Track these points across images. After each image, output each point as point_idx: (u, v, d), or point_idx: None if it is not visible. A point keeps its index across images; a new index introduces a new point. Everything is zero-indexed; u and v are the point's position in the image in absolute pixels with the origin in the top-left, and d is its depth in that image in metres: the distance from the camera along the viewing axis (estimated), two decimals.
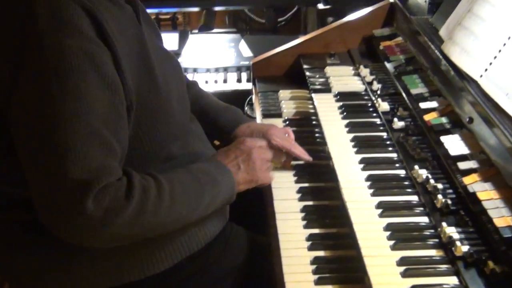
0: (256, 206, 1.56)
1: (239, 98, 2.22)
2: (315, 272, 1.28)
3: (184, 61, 2.48)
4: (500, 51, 1.39)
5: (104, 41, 1.18)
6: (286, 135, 1.62)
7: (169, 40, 2.58)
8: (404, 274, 1.16)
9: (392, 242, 1.24)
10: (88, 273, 1.34)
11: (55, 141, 1.12)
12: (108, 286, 1.35)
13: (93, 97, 1.14)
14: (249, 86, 2.18)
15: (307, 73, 1.93)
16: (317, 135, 1.73)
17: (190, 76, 2.41)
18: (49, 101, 1.13)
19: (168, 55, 1.52)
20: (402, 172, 1.46)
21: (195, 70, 2.45)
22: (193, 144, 1.47)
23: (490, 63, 1.39)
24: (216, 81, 2.38)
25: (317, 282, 1.25)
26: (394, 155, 1.52)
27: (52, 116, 1.13)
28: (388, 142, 1.57)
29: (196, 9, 2.83)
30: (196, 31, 2.73)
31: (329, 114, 1.72)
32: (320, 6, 2.43)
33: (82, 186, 1.10)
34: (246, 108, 2.15)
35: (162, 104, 1.31)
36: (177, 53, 2.53)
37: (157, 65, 1.33)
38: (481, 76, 1.40)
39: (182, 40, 2.62)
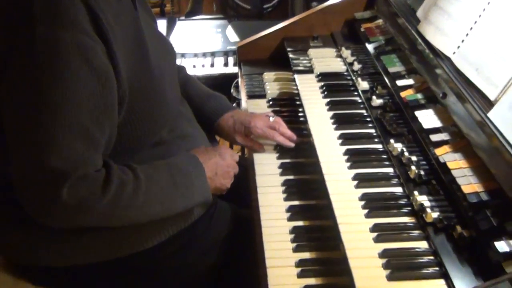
0: (241, 181, 1.60)
1: (226, 82, 2.26)
2: (293, 240, 1.32)
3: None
4: (471, 28, 1.43)
5: (99, 33, 1.18)
6: (271, 118, 1.65)
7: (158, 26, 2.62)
8: (377, 240, 1.21)
9: (366, 211, 1.29)
10: (77, 248, 1.36)
11: (38, 129, 1.14)
12: (97, 261, 1.38)
13: (81, 89, 1.15)
14: (235, 70, 2.23)
15: (291, 55, 1.96)
16: (300, 114, 1.76)
17: (178, 62, 2.43)
18: (36, 89, 1.14)
19: (162, 40, 1.53)
20: (379, 147, 1.50)
21: (183, 55, 2.49)
22: (182, 126, 1.49)
23: (462, 41, 1.44)
24: (203, 66, 2.41)
25: (295, 250, 1.30)
26: (372, 130, 1.56)
27: (38, 104, 1.14)
28: (366, 119, 1.61)
29: None
30: (184, 17, 2.76)
31: (310, 93, 1.75)
32: None
33: (59, 175, 1.13)
34: (232, 91, 2.19)
35: (155, 89, 1.33)
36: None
37: (152, 51, 1.34)
38: (453, 53, 1.44)
39: (170, 26, 2.66)
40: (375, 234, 1.22)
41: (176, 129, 1.45)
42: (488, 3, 1.41)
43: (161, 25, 2.65)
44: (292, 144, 1.62)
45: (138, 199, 1.23)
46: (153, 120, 1.32)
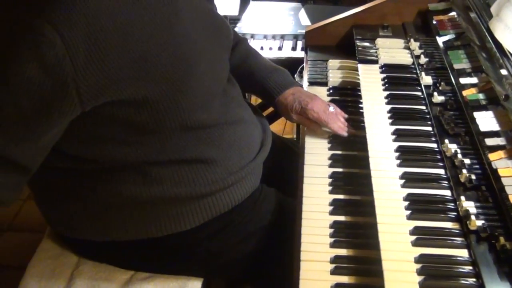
0: (290, 170, 1.60)
1: (292, 66, 2.23)
2: (332, 235, 1.31)
3: (243, 26, 2.50)
4: None
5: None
6: (331, 108, 1.63)
7: (230, 5, 2.62)
8: (415, 243, 1.18)
9: (408, 212, 1.26)
10: (116, 225, 1.41)
11: None
12: (135, 239, 1.42)
13: (16, 83, 1.09)
14: (303, 54, 2.19)
15: (357, 43, 1.92)
16: (360, 105, 1.72)
17: None
18: None
19: (209, 15, 1.47)
20: (433, 146, 1.46)
21: (252, 36, 2.47)
22: (232, 110, 1.49)
23: None
24: (271, 48, 2.39)
25: (332, 245, 1.28)
26: (429, 128, 1.52)
27: None
28: (425, 116, 1.56)
29: None
30: None
31: (371, 85, 1.72)
32: None
33: None
34: (296, 75, 2.17)
35: (184, 65, 1.28)
36: (237, 19, 2.55)
37: (188, 26, 1.31)
38: None
39: (243, 5, 2.65)
40: (414, 237, 1.20)
41: (223, 113, 1.44)
42: None
43: (234, 3, 2.65)
44: (345, 133, 1.60)
45: None
46: (177, 102, 1.29)
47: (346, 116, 1.64)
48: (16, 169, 1.19)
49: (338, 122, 1.61)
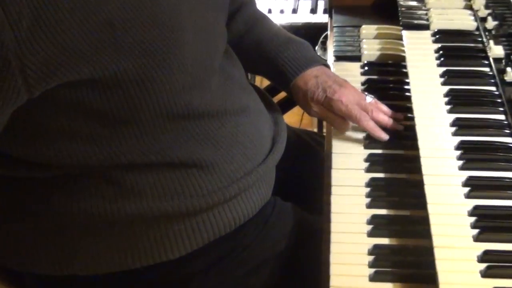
0: (312, 177, 1.61)
1: (311, 35, 2.26)
2: (372, 264, 1.31)
3: None
4: None
5: None
6: (368, 98, 1.64)
7: None
8: (485, 273, 1.18)
9: (476, 231, 1.26)
10: (80, 254, 1.41)
11: None
12: (104, 272, 1.42)
13: None
14: (325, 19, 2.21)
15: (401, 3, 1.95)
16: (407, 87, 1.73)
17: None
18: None
19: None
20: (508, 140, 1.47)
21: None
22: (232, 95, 1.50)
23: None
24: (282, 11, 2.41)
25: (372, 278, 1.28)
26: (502, 117, 1.53)
27: None
28: (496, 100, 1.58)
29: None
30: None
31: (421, 58, 1.73)
32: None
33: None
34: (317, 48, 2.19)
35: (164, 34, 1.28)
36: None
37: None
38: None
39: None
40: (484, 265, 1.20)
41: (221, 100, 1.45)
42: None
43: None
44: (384, 137, 1.60)
45: None
46: (157, 82, 1.30)
47: (389, 111, 1.64)
48: None
49: (378, 117, 1.61)
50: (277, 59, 1.69)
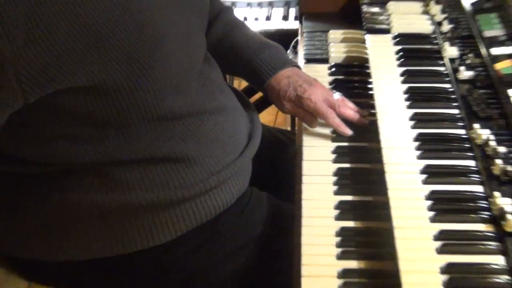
0: (285, 168, 1.63)
1: (284, 40, 2.26)
2: (339, 245, 1.34)
3: None
4: None
5: None
6: (336, 95, 1.67)
7: None
8: (441, 250, 1.21)
9: (432, 213, 1.29)
10: (74, 241, 1.43)
11: None
12: (95, 257, 1.44)
13: None
14: (297, 25, 2.22)
15: (364, 9, 1.95)
16: (370, 85, 1.76)
17: None
18: None
19: None
20: (461, 132, 1.49)
21: (233, 3, 2.50)
22: (211, 96, 1.51)
23: None
24: (256, 18, 2.42)
25: (340, 257, 1.31)
26: (456, 111, 1.55)
27: None
28: (450, 96, 1.60)
29: None
30: None
31: (383, 59, 1.75)
32: None
33: None
34: (288, 52, 2.20)
35: (147, 42, 1.28)
36: None
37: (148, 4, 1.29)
38: None
39: None
40: (439, 243, 1.23)
41: (201, 101, 1.46)
42: None
43: None
44: (348, 132, 1.62)
45: None
46: (142, 87, 1.30)
47: (354, 107, 1.67)
48: None
49: (344, 112, 1.64)
50: (253, 62, 1.70)
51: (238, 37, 1.74)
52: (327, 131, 1.65)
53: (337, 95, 1.66)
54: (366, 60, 1.82)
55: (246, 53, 1.71)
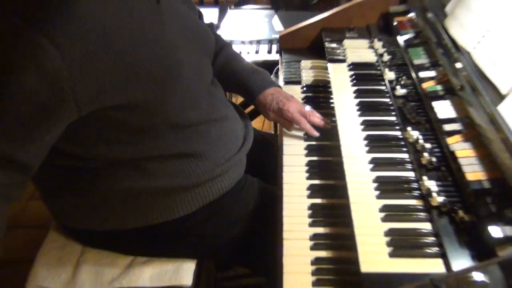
0: (270, 159, 1.63)
1: (268, 68, 2.24)
2: (310, 216, 1.34)
3: (222, 33, 2.52)
4: (492, 25, 1.40)
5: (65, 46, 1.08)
6: (307, 107, 1.65)
7: (210, 14, 2.65)
8: (384, 219, 1.22)
9: (378, 192, 1.29)
10: (117, 216, 1.43)
11: None
12: (134, 227, 1.44)
13: (17, 90, 1.08)
14: (278, 57, 2.21)
15: (327, 45, 1.94)
16: (331, 100, 1.73)
17: None
18: None
19: (192, 25, 1.47)
20: (398, 134, 1.49)
21: (231, 41, 2.50)
22: (216, 108, 1.49)
23: (483, 36, 1.41)
24: (248, 52, 2.42)
25: (311, 224, 1.31)
26: (393, 118, 1.55)
27: None
28: (389, 107, 1.59)
29: None
30: (234, 6, 2.79)
31: (341, 81, 1.74)
32: None
33: None
34: (272, 76, 2.20)
35: (169, 71, 1.27)
36: (216, 26, 2.58)
37: (171, 35, 1.30)
38: (474, 48, 1.42)
39: (222, 14, 2.68)
40: (383, 214, 1.23)
41: (208, 112, 1.45)
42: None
43: (213, 13, 2.68)
44: (316, 134, 1.61)
45: None
46: (164, 104, 1.30)
47: (320, 116, 1.65)
48: (19, 168, 1.18)
49: (313, 120, 1.63)
50: (247, 84, 1.69)
51: (236, 66, 1.72)
52: (300, 133, 1.64)
53: (308, 107, 1.65)
54: (328, 82, 1.81)
55: (241, 77, 1.70)
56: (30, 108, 1.12)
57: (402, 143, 1.45)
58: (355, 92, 1.68)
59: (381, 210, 1.24)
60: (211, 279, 2.00)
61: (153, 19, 1.27)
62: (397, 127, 1.51)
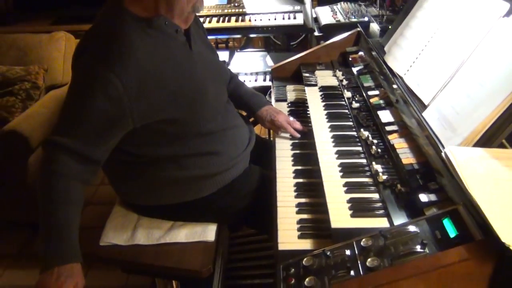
0: (267, 155, 1.62)
1: (264, 90, 2.26)
2: (295, 191, 1.34)
3: (231, 68, 2.55)
4: (417, 58, 1.42)
5: (126, 80, 1.12)
6: (291, 118, 1.64)
7: (223, 55, 2.65)
8: (346, 191, 1.22)
9: (341, 173, 1.29)
10: (162, 195, 1.42)
11: (63, 114, 1.17)
12: (174, 203, 1.43)
13: (93, 109, 1.12)
14: (270, 83, 2.22)
15: (304, 75, 1.95)
16: (308, 112, 1.73)
17: None
18: (69, 94, 1.17)
19: (215, 65, 1.48)
20: (354, 133, 1.49)
21: (238, 73, 2.46)
22: (229, 120, 1.48)
23: (410, 65, 1.43)
24: (250, 81, 2.43)
25: (296, 196, 1.31)
26: (351, 123, 1.54)
27: (68, 103, 1.16)
28: (348, 116, 1.59)
29: (239, 36, 2.89)
30: (239, 50, 2.80)
31: (314, 99, 1.74)
32: (316, 33, 2.46)
33: (54, 142, 1.15)
34: (267, 96, 2.20)
35: (197, 98, 1.30)
36: (227, 64, 2.59)
37: (199, 73, 1.31)
38: (404, 74, 1.44)
39: (231, 55, 2.69)
40: (345, 188, 1.24)
41: (224, 122, 1.44)
42: (428, 41, 1.40)
43: (225, 54, 2.69)
44: (298, 135, 1.59)
45: (40, 201, 1.15)
46: (199, 117, 1.30)
47: (300, 124, 1.63)
48: (92, 162, 1.20)
49: (295, 126, 1.61)
50: (248, 104, 1.67)
51: (240, 91, 1.70)
52: (287, 135, 1.63)
53: (291, 118, 1.65)
54: (305, 100, 1.80)
55: (244, 100, 1.68)
56: (101, 121, 1.14)
57: (357, 139, 1.45)
58: (324, 106, 1.68)
59: (344, 185, 1.24)
60: (227, 237, 2.00)
61: (187, 61, 1.30)
62: (354, 129, 1.51)
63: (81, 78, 1.16)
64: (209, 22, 2.55)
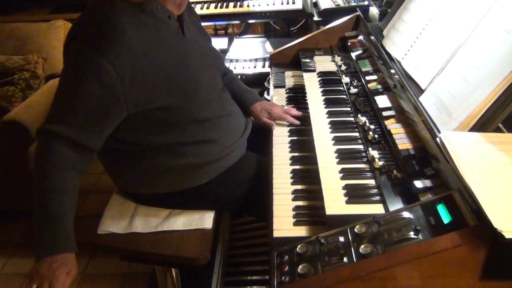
0: (264, 141, 1.61)
1: (263, 77, 2.26)
2: (291, 178, 1.33)
3: (230, 55, 2.52)
4: (414, 42, 1.39)
5: (120, 66, 1.11)
6: (285, 107, 1.63)
7: (222, 42, 2.63)
8: (342, 178, 1.21)
9: (338, 159, 1.28)
10: (159, 183, 1.41)
11: (56, 102, 1.16)
12: (170, 191, 1.42)
13: (86, 95, 1.11)
14: (269, 69, 2.19)
15: (302, 60, 1.93)
16: (306, 98, 1.71)
17: (233, 65, 2.43)
18: (63, 83, 1.16)
19: (210, 52, 1.46)
20: (351, 119, 1.47)
21: (237, 60, 2.48)
22: (225, 107, 1.47)
23: (408, 50, 1.40)
24: (249, 67, 2.41)
25: (292, 183, 1.30)
26: (348, 108, 1.53)
27: (60, 91, 1.16)
28: (346, 101, 1.58)
29: (237, 22, 2.86)
30: (238, 36, 2.77)
31: (312, 85, 1.72)
32: (315, 18, 2.43)
33: (47, 130, 1.14)
34: (265, 83, 2.18)
35: (190, 86, 1.28)
36: (226, 50, 2.56)
37: (193, 58, 1.29)
38: (402, 58, 1.41)
39: (230, 41, 2.66)
40: (341, 174, 1.22)
41: (220, 110, 1.42)
42: (426, 24, 1.37)
43: (224, 41, 2.66)
44: (297, 122, 1.58)
45: (35, 191, 1.14)
46: (189, 105, 1.29)
47: (298, 111, 1.62)
48: (87, 150, 1.19)
49: (293, 113, 1.60)
50: (240, 99, 1.64)
51: (234, 86, 1.66)
52: (285, 123, 1.61)
53: (286, 106, 1.64)
54: (303, 86, 1.79)
55: (237, 95, 1.64)
56: (94, 108, 1.13)
57: (355, 125, 1.44)
58: (322, 91, 1.66)
59: (340, 171, 1.23)
60: (228, 224, 2.01)
61: (180, 47, 1.28)
62: (351, 115, 1.49)
63: (73, 64, 1.15)
64: (207, 8, 2.52)
